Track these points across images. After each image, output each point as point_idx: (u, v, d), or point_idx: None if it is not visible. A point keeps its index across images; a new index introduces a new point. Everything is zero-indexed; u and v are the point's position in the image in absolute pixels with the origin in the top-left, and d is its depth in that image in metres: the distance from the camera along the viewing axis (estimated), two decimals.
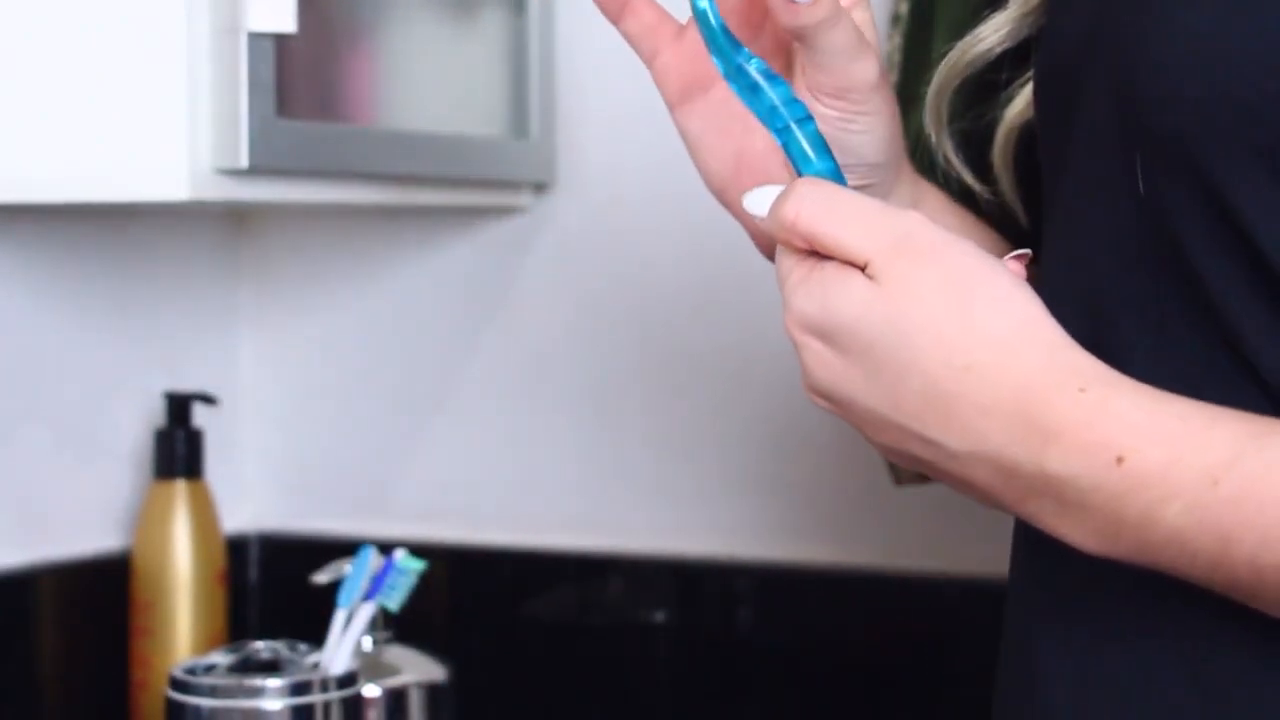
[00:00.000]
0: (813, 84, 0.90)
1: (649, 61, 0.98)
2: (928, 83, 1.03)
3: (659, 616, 1.57)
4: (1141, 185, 0.82)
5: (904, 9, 1.35)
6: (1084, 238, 0.86)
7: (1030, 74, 0.97)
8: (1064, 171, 0.89)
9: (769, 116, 0.86)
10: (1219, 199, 0.79)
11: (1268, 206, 0.78)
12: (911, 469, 0.84)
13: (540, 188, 1.61)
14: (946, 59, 1.00)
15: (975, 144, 1.02)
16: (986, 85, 1.00)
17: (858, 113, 0.90)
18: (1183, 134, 0.79)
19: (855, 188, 0.93)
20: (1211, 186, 0.79)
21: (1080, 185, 0.87)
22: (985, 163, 1.02)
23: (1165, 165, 0.80)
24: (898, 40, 1.36)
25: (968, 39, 0.99)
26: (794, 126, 0.85)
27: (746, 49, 0.86)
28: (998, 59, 0.98)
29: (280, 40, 1.29)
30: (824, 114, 0.90)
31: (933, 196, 1.01)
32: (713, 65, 0.96)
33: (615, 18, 0.98)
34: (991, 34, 0.98)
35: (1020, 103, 0.98)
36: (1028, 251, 0.84)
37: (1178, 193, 0.80)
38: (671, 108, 0.98)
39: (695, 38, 0.97)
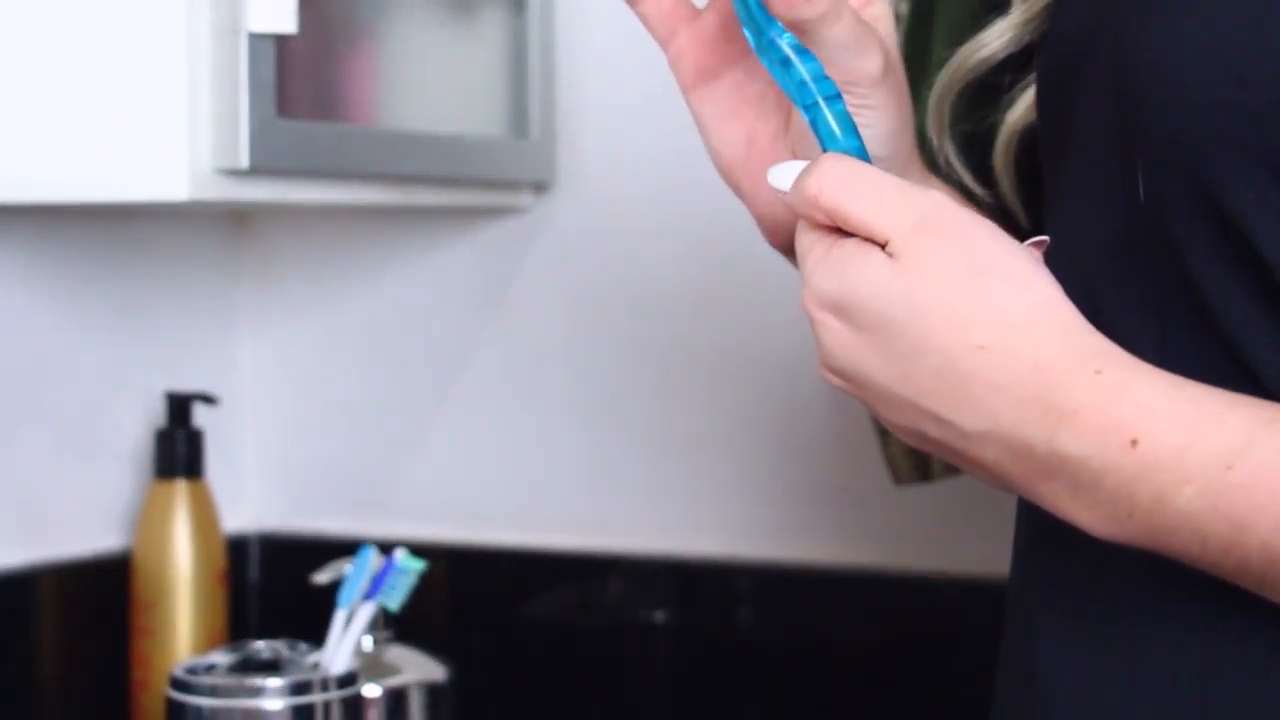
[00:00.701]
0: None
1: (665, 44, 0.98)
2: (928, 84, 1.03)
3: (659, 616, 1.57)
4: (1142, 189, 0.82)
5: (903, 10, 1.35)
6: (1084, 240, 0.86)
7: (1032, 77, 0.97)
8: (1065, 174, 0.89)
9: (798, 92, 0.86)
10: (1219, 204, 0.79)
11: (1269, 212, 0.78)
12: (923, 449, 0.84)
13: (540, 188, 1.61)
14: (949, 64, 1.00)
15: (977, 147, 1.02)
16: (988, 88, 1.01)
17: (862, 107, 0.90)
18: (1184, 138, 0.79)
19: None
20: (1212, 191, 0.79)
21: (1081, 188, 0.87)
22: (986, 165, 1.02)
23: (1166, 169, 0.80)
24: (898, 40, 1.36)
25: (970, 44, 0.99)
26: (822, 103, 0.85)
27: (780, 23, 0.86)
28: (1000, 62, 0.99)
29: (280, 40, 1.30)
30: None
31: (941, 188, 1.01)
32: (728, 49, 0.97)
33: (633, 0, 0.97)
34: (994, 40, 0.98)
35: (1022, 106, 0.99)
36: (1045, 239, 0.84)
37: (1178, 197, 0.80)
38: (686, 91, 0.98)
39: (711, 20, 0.97)
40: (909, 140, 0.96)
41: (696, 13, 0.98)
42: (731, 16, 0.96)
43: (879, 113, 0.91)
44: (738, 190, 0.99)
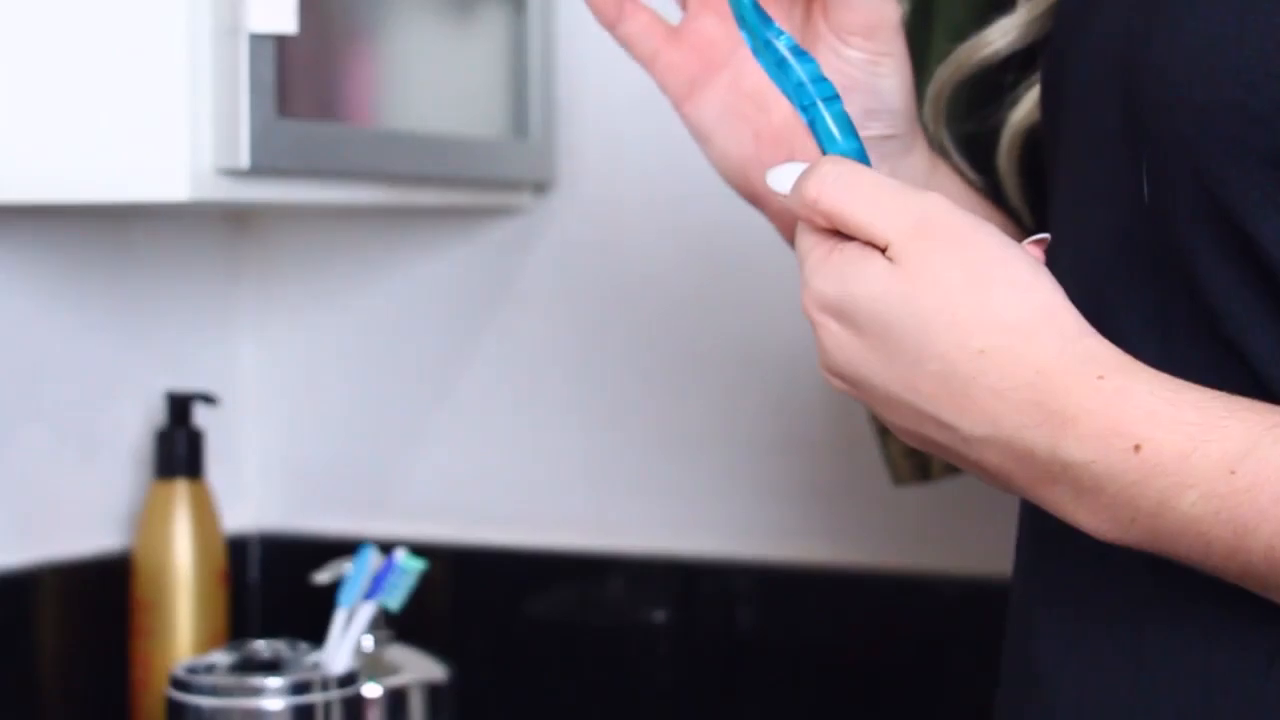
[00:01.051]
0: (841, 25, 0.91)
1: (649, 62, 0.98)
2: (928, 80, 1.03)
3: (659, 616, 1.57)
4: (1146, 190, 0.82)
5: (903, 9, 1.35)
6: (1088, 241, 0.86)
7: (1036, 77, 0.97)
8: (1069, 174, 0.89)
9: (796, 94, 0.86)
10: (1223, 206, 0.79)
11: (1273, 213, 0.78)
12: (926, 451, 0.84)
13: (540, 188, 1.61)
14: (950, 57, 1.01)
15: (982, 147, 1.03)
16: (991, 87, 1.01)
17: (884, 54, 0.92)
18: (1188, 139, 0.79)
19: (883, 136, 0.94)
20: (1216, 193, 0.79)
21: (1085, 188, 0.87)
22: (991, 165, 1.02)
23: (1169, 170, 0.80)
24: None
25: (974, 41, 0.99)
26: (820, 105, 0.85)
27: (776, 24, 0.87)
28: (1003, 61, 0.99)
29: (280, 40, 1.30)
30: (852, 57, 0.92)
31: (946, 170, 1.01)
32: (714, 54, 0.97)
33: (613, 22, 0.98)
34: (999, 38, 0.98)
35: (1026, 105, 0.99)
36: (1046, 236, 0.84)
37: (1182, 199, 0.80)
38: (678, 104, 0.99)
39: (692, 32, 0.97)
40: (914, 99, 0.97)
41: (671, 29, 0.98)
42: (712, 21, 0.97)
43: (899, 61, 0.93)
44: (750, 193, 0.99)
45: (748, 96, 0.97)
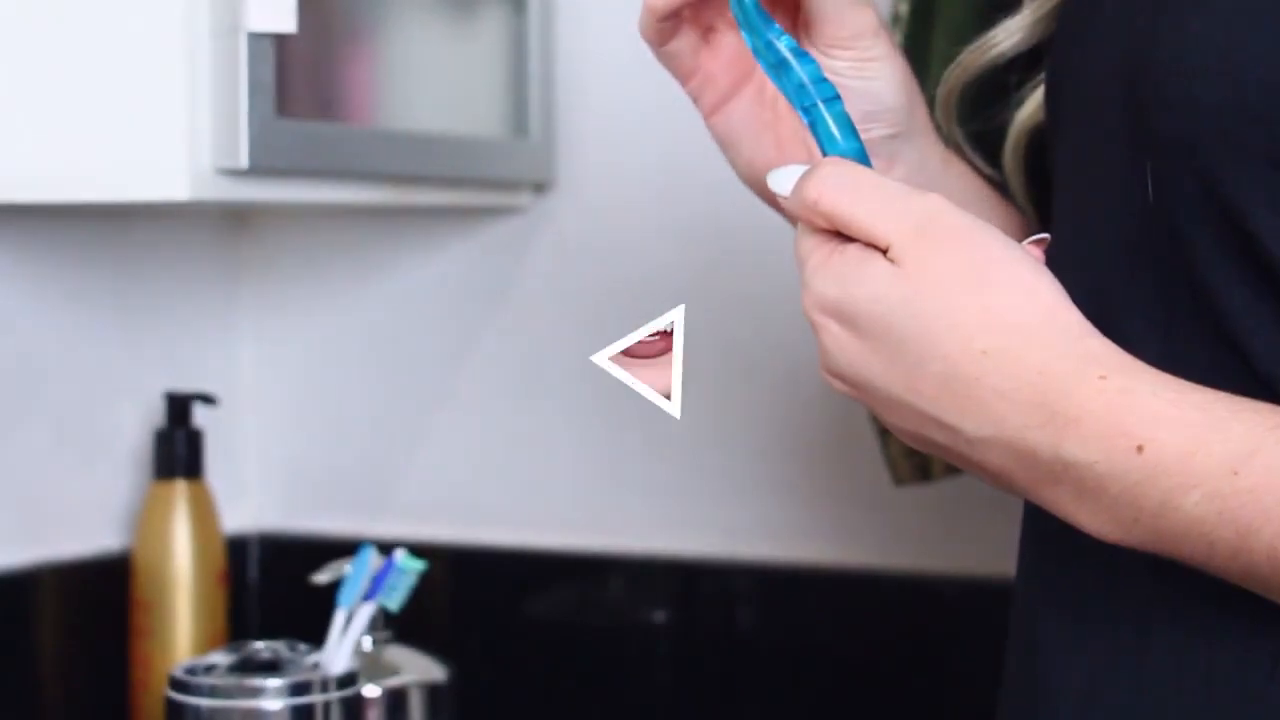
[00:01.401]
0: (822, 38, 0.92)
1: (687, 77, 0.98)
2: (930, 83, 1.03)
3: (659, 616, 1.57)
4: (1151, 191, 0.82)
5: (904, 9, 1.35)
6: (1092, 241, 0.86)
7: (1041, 77, 0.97)
8: (1073, 175, 0.89)
9: (796, 94, 0.86)
10: (1229, 207, 0.79)
11: (1275, 214, 0.78)
12: (928, 452, 0.84)
13: (540, 188, 1.61)
14: (958, 60, 1.01)
15: (988, 146, 1.03)
16: (996, 87, 1.01)
17: (869, 59, 0.92)
18: (1193, 141, 0.79)
19: (887, 137, 0.94)
20: (1221, 195, 0.79)
21: (1087, 189, 0.87)
22: (996, 164, 1.02)
23: (1175, 171, 0.80)
24: (898, 40, 1.36)
25: (980, 43, 0.99)
26: (821, 105, 0.85)
27: (777, 25, 0.86)
28: (1007, 62, 0.99)
29: (280, 40, 1.30)
30: (839, 67, 0.92)
31: (961, 166, 1.01)
32: (741, 63, 0.97)
33: (665, 40, 0.97)
34: (1005, 39, 0.98)
35: (1031, 105, 0.99)
36: (1046, 236, 0.84)
37: (1187, 200, 0.80)
38: (708, 115, 0.99)
39: (722, 46, 0.97)
40: (916, 90, 0.97)
41: (704, 43, 0.98)
42: (736, 36, 0.96)
43: (885, 62, 0.93)
44: (772, 198, 0.99)
45: (769, 104, 0.98)
